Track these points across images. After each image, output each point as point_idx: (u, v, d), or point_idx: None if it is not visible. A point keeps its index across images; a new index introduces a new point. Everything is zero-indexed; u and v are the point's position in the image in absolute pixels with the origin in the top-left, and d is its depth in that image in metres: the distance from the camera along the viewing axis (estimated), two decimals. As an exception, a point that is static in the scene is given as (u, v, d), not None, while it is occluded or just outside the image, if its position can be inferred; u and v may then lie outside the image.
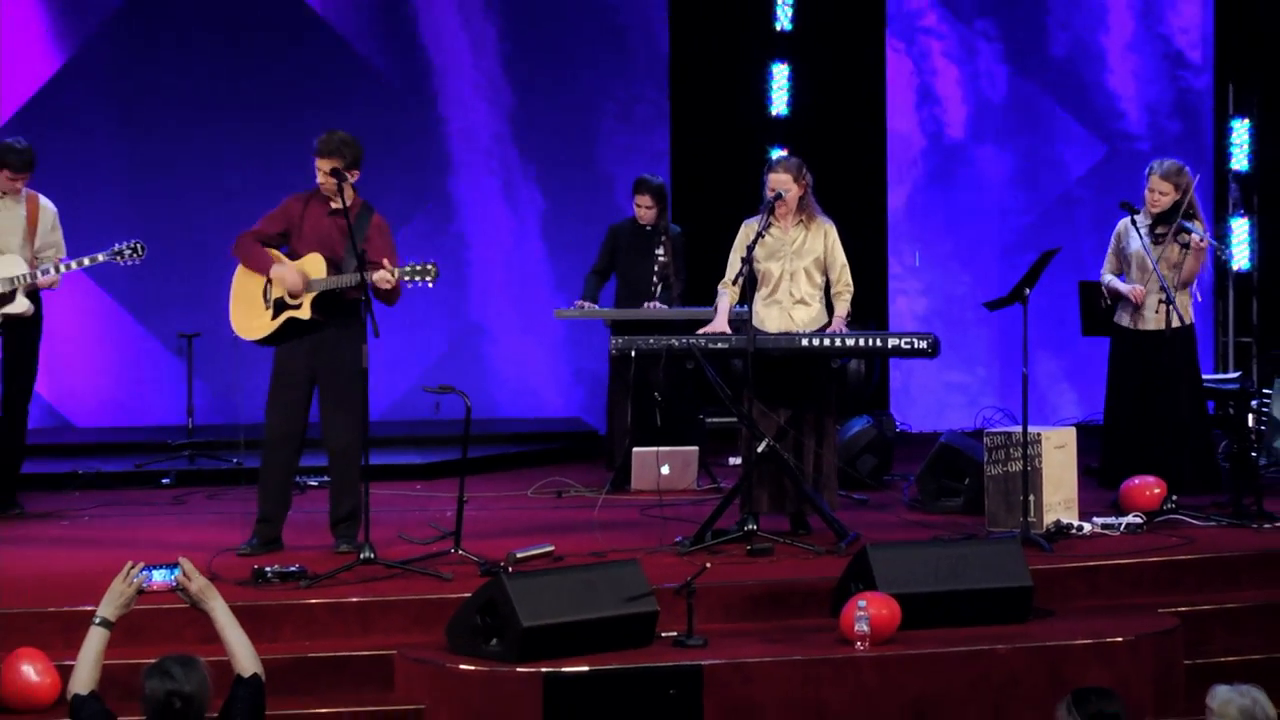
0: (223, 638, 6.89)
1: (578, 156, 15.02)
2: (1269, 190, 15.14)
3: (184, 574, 6.93)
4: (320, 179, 9.96)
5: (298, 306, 9.94)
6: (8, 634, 8.81)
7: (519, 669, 8.38)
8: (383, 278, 9.72)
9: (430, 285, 9.95)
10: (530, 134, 14.99)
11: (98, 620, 6.86)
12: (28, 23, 14.50)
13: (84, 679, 6.75)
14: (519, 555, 9.66)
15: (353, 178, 9.95)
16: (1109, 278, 11.34)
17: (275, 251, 10.06)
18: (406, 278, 9.85)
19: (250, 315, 10.08)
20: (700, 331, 10.45)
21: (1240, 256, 15.14)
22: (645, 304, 12.50)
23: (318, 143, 9.96)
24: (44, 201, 11.39)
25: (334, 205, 9.97)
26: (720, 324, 10.45)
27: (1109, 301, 11.40)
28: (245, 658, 6.83)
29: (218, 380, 13.88)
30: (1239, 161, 15.17)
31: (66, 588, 9.40)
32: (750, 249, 10.29)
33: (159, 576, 6.94)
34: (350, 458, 10.05)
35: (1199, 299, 11.50)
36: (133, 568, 6.92)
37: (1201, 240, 10.99)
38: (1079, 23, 15.21)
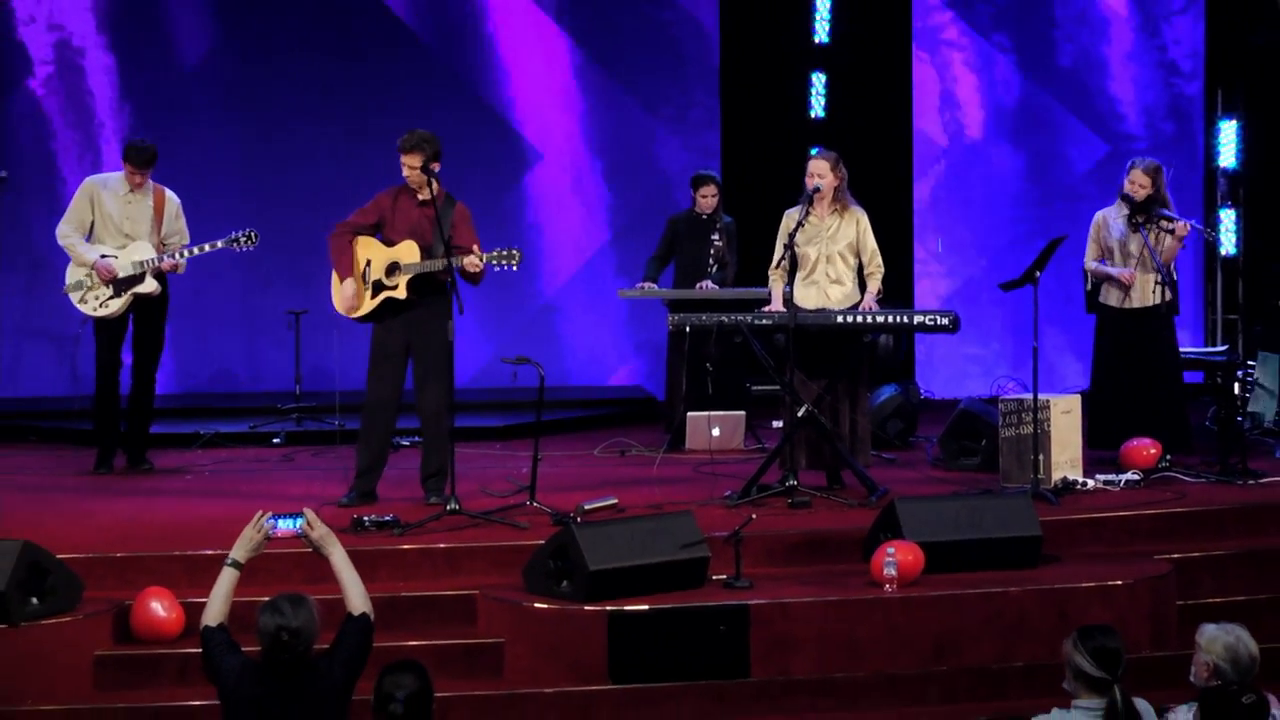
0: (339, 579, 6.87)
1: (638, 155, 15.02)
2: (1253, 184, 15.08)
3: (308, 523, 6.93)
4: (406, 173, 10.00)
5: (394, 287, 9.99)
6: (139, 574, 8.87)
7: (587, 607, 8.39)
8: (471, 262, 9.77)
9: (515, 269, 9.99)
10: (597, 135, 14.99)
11: (229, 562, 6.87)
12: (156, 36, 14.56)
13: (214, 613, 6.77)
14: (586, 507, 9.68)
15: (435, 169, 9.98)
16: (1094, 264, 11.27)
17: (369, 240, 10.09)
18: (493, 262, 9.88)
19: (348, 294, 10.14)
20: (757, 310, 10.48)
21: (1227, 243, 15.07)
22: (698, 284, 12.48)
23: (401, 141, 10.01)
24: (169, 194, 11.43)
25: (421, 197, 10.02)
26: (777, 304, 10.47)
27: (1090, 286, 11.36)
28: (356, 598, 6.82)
29: (321, 351, 13.94)
30: (1226, 159, 15.09)
31: (190, 534, 9.46)
32: (791, 235, 10.30)
33: (285, 524, 6.93)
34: (440, 421, 10.08)
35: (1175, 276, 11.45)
36: (262, 516, 6.93)
37: (1185, 226, 10.93)
38: (1084, 36, 15.14)
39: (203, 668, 6.72)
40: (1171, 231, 10.93)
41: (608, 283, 14.59)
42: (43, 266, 13.85)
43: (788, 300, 10.39)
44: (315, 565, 8.46)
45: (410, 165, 9.96)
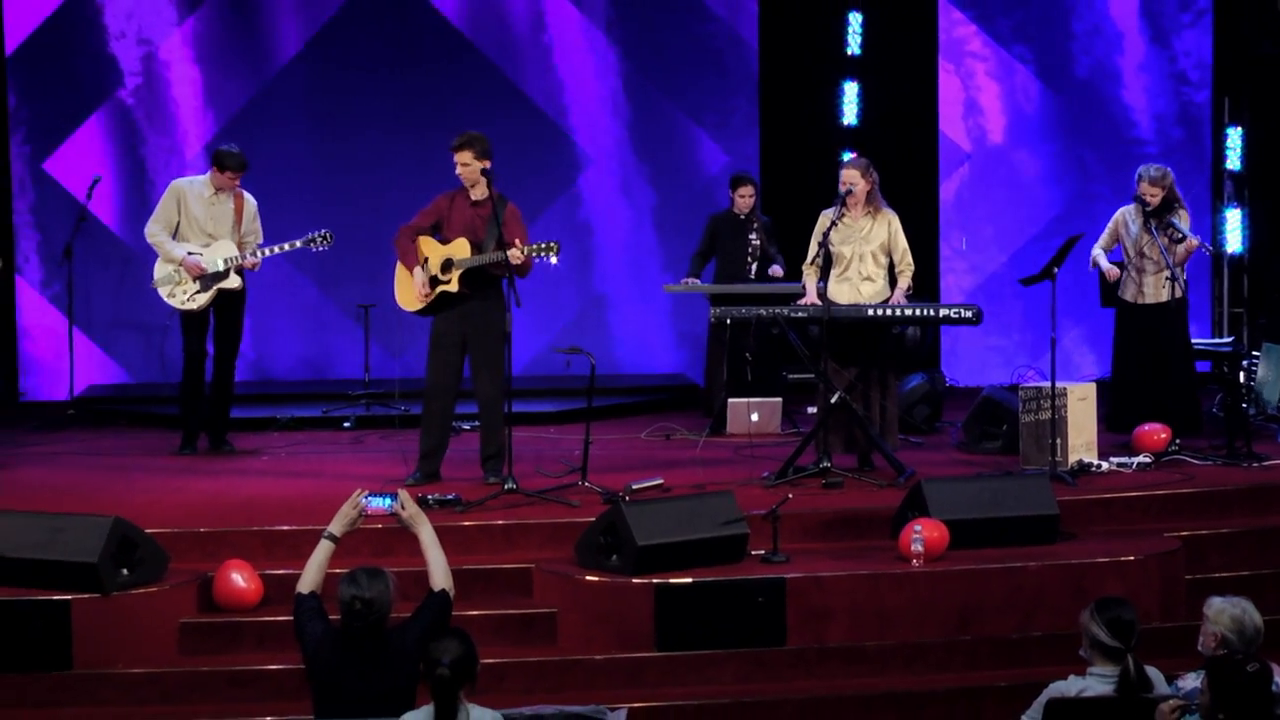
0: (425, 555, 6.86)
1: (683, 159, 15.00)
2: (1257, 186, 14.99)
3: (400, 503, 6.93)
4: (459, 170, 10.00)
5: (448, 281, 10.01)
6: (220, 548, 8.92)
7: (635, 580, 8.40)
8: (514, 255, 9.77)
9: (554, 260, 9.95)
10: (644, 140, 14.98)
11: (326, 534, 6.85)
12: (236, 50, 14.60)
13: (307, 581, 6.77)
14: (634, 487, 9.68)
15: (487, 167, 9.97)
16: (1099, 252, 11.26)
17: (427, 239, 10.09)
18: (534, 254, 9.87)
19: (410, 291, 10.14)
20: (793, 304, 10.48)
21: (1233, 241, 14.99)
22: (770, 269, 12.42)
23: (453, 142, 10.02)
24: (248, 197, 11.47)
25: (475, 197, 10.02)
26: (811, 297, 10.46)
27: (1093, 267, 11.35)
28: (439, 575, 6.81)
29: (388, 342, 13.97)
30: (1232, 162, 15.00)
31: (268, 510, 9.51)
32: (826, 235, 10.30)
33: (380, 503, 6.92)
34: (495, 405, 10.09)
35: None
36: (359, 494, 6.93)
37: (1193, 243, 10.90)
38: (1099, 48, 15.07)
39: (295, 631, 6.73)
40: (1179, 240, 10.91)
41: (654, 278, 14.59)
42: (132, 263, 13.94)
43: (820, 294, 10.39)
44: (382, 541, 8.55)
45: (462, 162, 9.97)
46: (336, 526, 6.89)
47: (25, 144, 14.48)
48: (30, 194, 14.49)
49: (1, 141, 14.40)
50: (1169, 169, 11.12)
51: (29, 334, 14.55)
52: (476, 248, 9.97)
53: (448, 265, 10.01)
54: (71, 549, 8.29)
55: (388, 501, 6.91)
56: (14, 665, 8.10)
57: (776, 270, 12.55)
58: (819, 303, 10.35)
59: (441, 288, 10.03)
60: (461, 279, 9.98)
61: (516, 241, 9.82)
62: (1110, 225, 11.23)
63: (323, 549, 6.84)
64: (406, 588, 6.99)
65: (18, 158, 14.45)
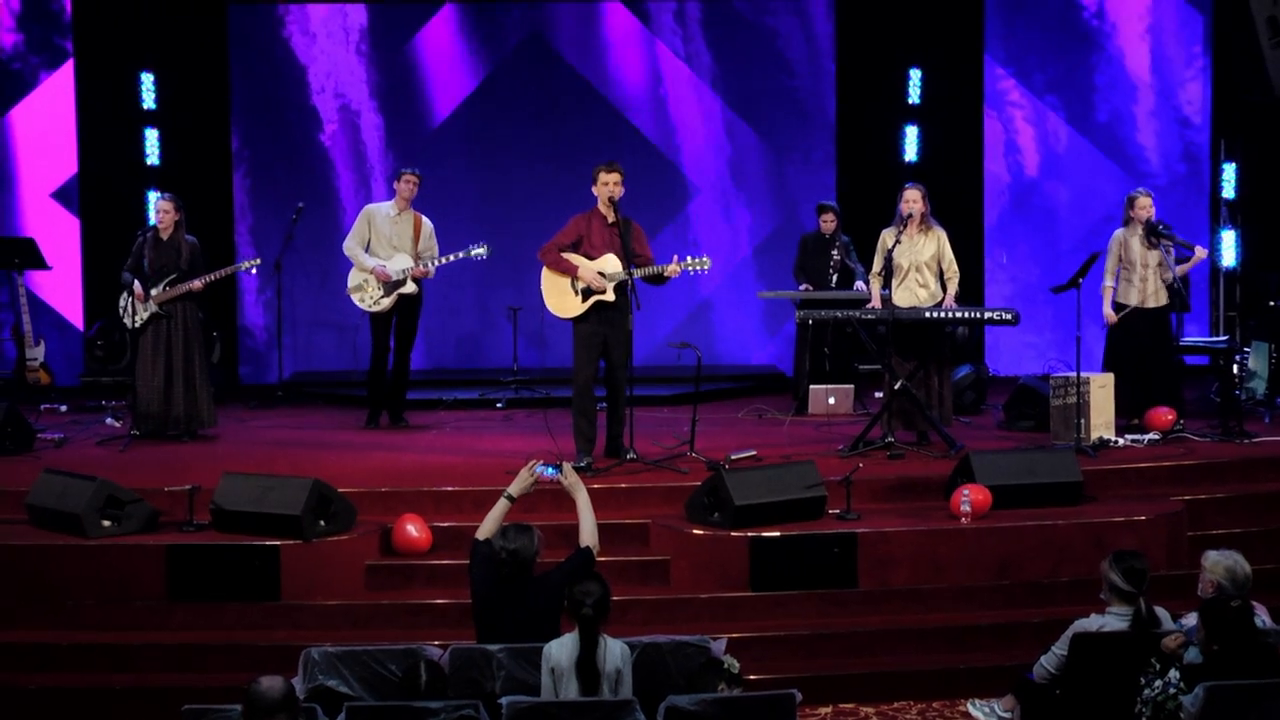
0: (579, 516, 6.87)
1: (773, 188, 14.94)
2: (1248, 212, 14.74)
3: (564, 472, 6.94)
4: (614, 188, 9.69)
5: (603, 292, 9.78)
6: (398, 503, 8.98)
7: (733, 533, 8.39)
8: (673, 269, 9.65)
9: (705, 272, 9.87)
10: (742, 173, 14.93)
11: (505, 494, 6.87)
12: (411, 102, 14.71)
13: (485, 530, 6.79)
14: (733, 457, 9.65)
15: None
16: (1109, 284, 10.94)
17: (574, 255, 9.88)
18: (689, 268, 9.75)
19: (562, 299, 9.84)
20: (863, 308, 10.39)
21: (1228, 256, 14.76)
22: (855, 287, 12.19)
23: (610, 164, 9.76)
24: (425, 219, 11.53)
25: (610, 219, 9.87)
26: (876, 302, 10.38)
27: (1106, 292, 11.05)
28: (587, 534, 6.80)
29: (533, 337, 14.02)
30: (1227, 192, 14.75)
31: (436, 473, 9.55)
32: (890, 251, 10.23)
33: (549, 471, 6.96)
34: (625, 393, 9.94)
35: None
36: (534, 463, 6.94)
37: (1203, 252, 10.68)
38: (1116, 98, 14.86)
39: (469, 569, 6.76)
40: (1188, 259, 10.74)
41: (749, 286, 14.54)
42: (329, 274, 14.07)
43: (884, 300, 10.32)
44: (528, 500, 8.55)
45: (616, 182, 9.70)
46: (514, 488, 6.91)
47: (246, 178, 14.66)
48: (249, 218, 14.67)
49: (227, 176, 14.59)
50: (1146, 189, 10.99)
51: (248, 330, 14.73)
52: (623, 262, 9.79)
53: (600, 277, 9.80)
54: (280, 504, 8.38)
55: (553, 470, 6.96)
56: (235, 595, 8.22)
57: (861, 287, 12.41)
58: (881, 307, 10.28)
59: (596, 298, 9.76)
60: (615, 289, 9.77)
61: (675, 258, 9.72)
62: (1113, 248, 10.87)
63: (500, 506, 6.86)
64: (549, 538, 7.01)
65: (240, 189, 14.64)
